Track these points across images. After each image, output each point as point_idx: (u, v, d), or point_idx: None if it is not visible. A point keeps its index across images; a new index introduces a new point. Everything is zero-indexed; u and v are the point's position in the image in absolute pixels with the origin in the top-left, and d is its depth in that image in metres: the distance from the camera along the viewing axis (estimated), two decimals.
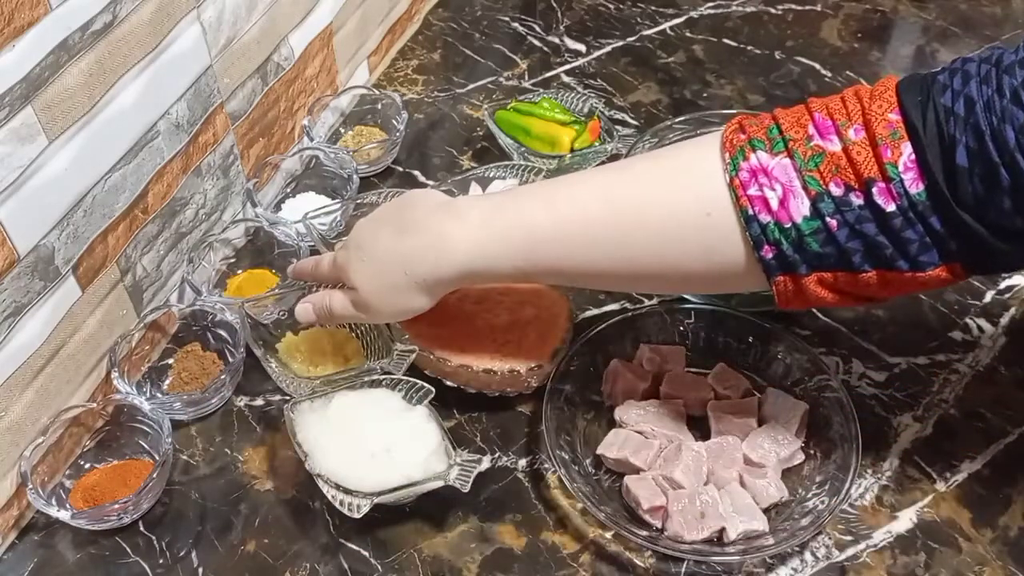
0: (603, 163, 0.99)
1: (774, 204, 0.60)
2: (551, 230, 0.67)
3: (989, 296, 0.89)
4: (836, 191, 0.59)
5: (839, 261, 0.60)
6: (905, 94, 0.58)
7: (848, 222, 0.59)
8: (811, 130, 0.60)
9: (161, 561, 0.72)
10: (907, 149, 0.57)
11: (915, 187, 0.57)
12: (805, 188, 0.60)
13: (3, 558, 0.73)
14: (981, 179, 0.55)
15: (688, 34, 1.22)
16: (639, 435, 0.76)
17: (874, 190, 0.58)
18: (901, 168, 0.57)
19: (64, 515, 0.71)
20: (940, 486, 0.76)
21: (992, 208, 0.56)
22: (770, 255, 0.61)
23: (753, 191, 0.61)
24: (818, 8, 1.25)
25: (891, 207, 0.58)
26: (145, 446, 0.78)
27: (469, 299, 0.82)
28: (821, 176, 0.59)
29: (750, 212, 0.61)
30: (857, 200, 0.59)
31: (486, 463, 0.78)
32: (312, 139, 1.01)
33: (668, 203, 0.64)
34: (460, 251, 0.69)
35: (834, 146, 0.59)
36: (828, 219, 0.59)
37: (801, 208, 0.60)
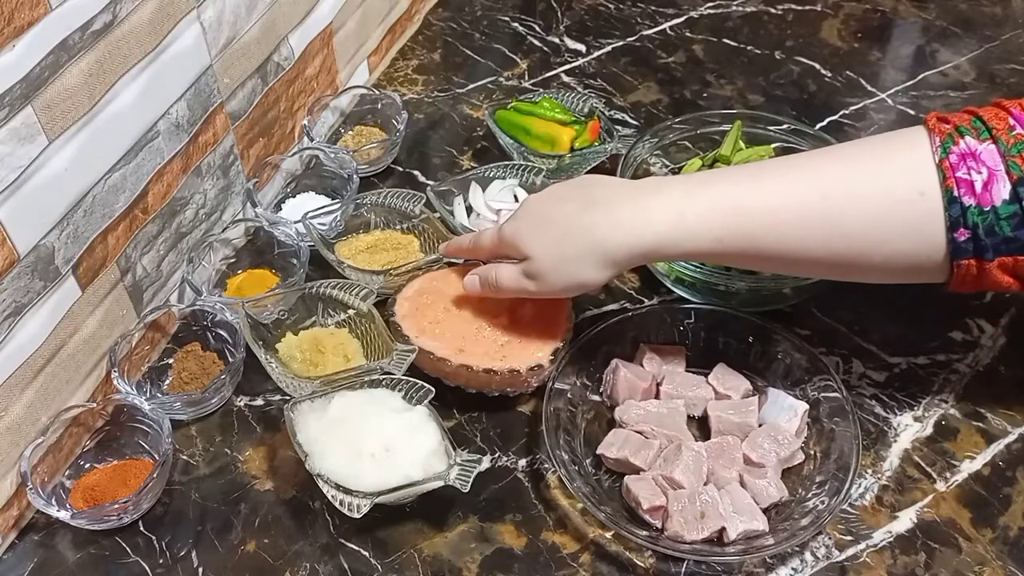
0: (602, 163, 0.99)
1: (978, 187, 0.63)
2: (758, 207, 0.68)
3: (989, 296, 0.89)
4: None
5: None
6: None
7: None
8: (1011, 121, 0.64)
9: (161, 561, 0.72)
10: None
11: None
12: (1008, 173, 0.63)
13: (3, 558, 0.73)
14: None
15: (688, 34, 1.22)
16: (639, 435, 0.76)
17: None
18: None
19: (64, 515, 0.71)
20: (940, 486, 0.76)
21: None
22: (963, 237, 0.64)
23: (961, 173, 0.64)
24: (818, 8, 1.25)
25: None
26: (145, 446, 0.78)
27: (469, 299, 0.82)
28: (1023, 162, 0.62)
29: (955, 194, 0.64)
30: None
31: (486, 463, 0.78)
32: (312, 139, 1.01)
33: (881, 182, 0.66)
34: (657, 222, 0.69)
35: None
36: None
37: (1002, 192, 0.63)
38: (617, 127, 1.04)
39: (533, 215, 0.74)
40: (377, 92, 1.08)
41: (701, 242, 0.69)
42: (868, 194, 0.66)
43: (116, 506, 0.72)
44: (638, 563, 0.71)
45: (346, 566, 0.72)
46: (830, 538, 0.72)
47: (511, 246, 0.75)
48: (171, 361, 0.85)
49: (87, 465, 0.77)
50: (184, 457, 0.79)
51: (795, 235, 0.68)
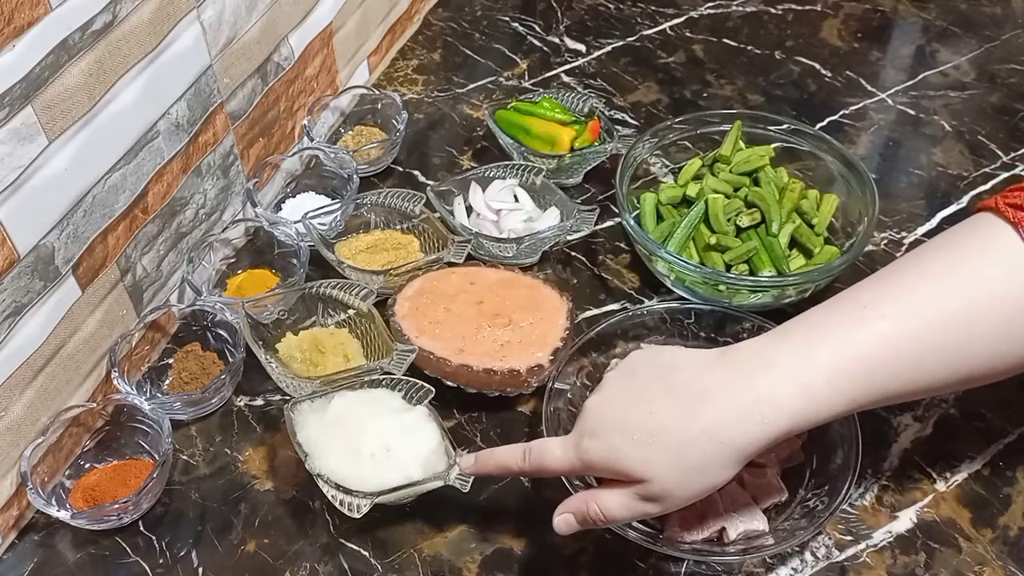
0: (602, 163, 0.99)
1: None
2: (882, 355, 0.61)
3: None
4: None
5: None
6: None
7: None
8: None
9: (161, 561, 0.72)
10: None
11: None
12: None
13: (3, 558, 0.73)
14: None
15: (688, 34, 1.22)
16: None
17: None
18: None
19: (64, 515, 0.71)
20: (940, 486, 0.76)
21: None
22: None
23: None
24: (818, 8, 1.25)
25: None
26: (145, 446, 0.78)
27: (469, 299, 0.82)
28: None
29: None
30: None
31: None
32: (312, 139, 1.01)
33: (987, 291, 0.62)
34: (785, 403, 0.61)
35: None
36: None
37: None
38: (617, 127, 1.04)
39: (624, 430, 0.63)
40: (377, 92, 1.08)
41: (836, 407, 0.62)
42: (982, 310, 0.62)
43: (116, 506, 0.72)
44: (638, 563, 0.71)
45: (346, 566, 0.72)
46: (830, 538, 0.72)
47: (607, 471, 0.64)
48: (171, 361, 0.85)
49: (87, 465, 0.77)
50: (184, 457, 0.79)
51: (923, 372, 0.62)
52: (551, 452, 0.66)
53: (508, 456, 0.68)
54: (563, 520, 0.66)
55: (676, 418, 0.62)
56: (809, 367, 0.61)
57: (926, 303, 0.62)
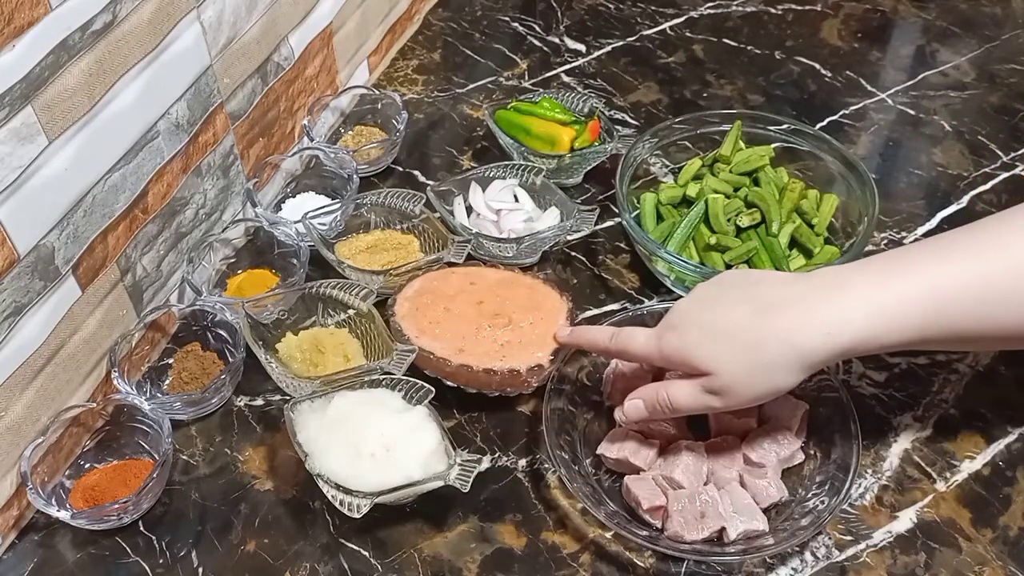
0: (602, 163, 0.99)
1: None
2: (956, 291, 0.64)
3: None
4: None
5: None
6: None
7: None
8: None
9: (161, 561, 0.72)
10: None
11: None
12: None
13: (3, 558, 0.73)
14: None
15: (688, 34, 1.22)
16: (639, 435, 0.76)
17: None
18: None
19: (64, 515, 0.71)
20: (940, 486, 0.76)
21: None
22: None
23: None
24: (818, 8, 1.25)
25: None
26: (145, 446, 0.78)
27: (469, 299, 0.82)
28: None
29: None
30: None
31: (486, 463, 0.78)
32: (312, 139, 1.01)
33: None
34: (855, 319, 0.64)
35: None
36: None
37: None
38: (617, 127, 1.04)
39: (702, 326, 0.68)
40: (377, 92, 1.08)
41: (903, 334, 0.65)
42: None
43: (116, 506, 0.72)
44: (638, 563, 0.71)
45: (346, 566, 0.72)
46: (830, 538, 0.72)
47: (681, 362, 0.69)
48: (171, 361, 0.85)
49: (87, 465, 0.77)
50: (184, 457, 0.79)
51: (998, 315, 0.64)
52: (636, 338, 0.71)
53: (599, 335, 0.75)
54: (633, 406, 0.72)
55: (749, 320, 0.66)
56: (882, 290, 0.65)
57: (1004, 250, 0.64)
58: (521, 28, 1.24)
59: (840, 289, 0.66)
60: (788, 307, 0.66)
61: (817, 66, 1.16)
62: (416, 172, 1.04)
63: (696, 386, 0.68)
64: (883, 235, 0.95)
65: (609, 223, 0.97)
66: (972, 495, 0.75)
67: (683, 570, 0.71)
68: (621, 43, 1.20)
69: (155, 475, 0.73)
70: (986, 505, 0.74)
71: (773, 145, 0.96)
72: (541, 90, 1.10)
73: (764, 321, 0.66)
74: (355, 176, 0.95)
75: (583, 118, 1.02)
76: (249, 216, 0.94)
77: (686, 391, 0.69)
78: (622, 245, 0.95)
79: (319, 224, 0.90)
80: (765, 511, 0.71)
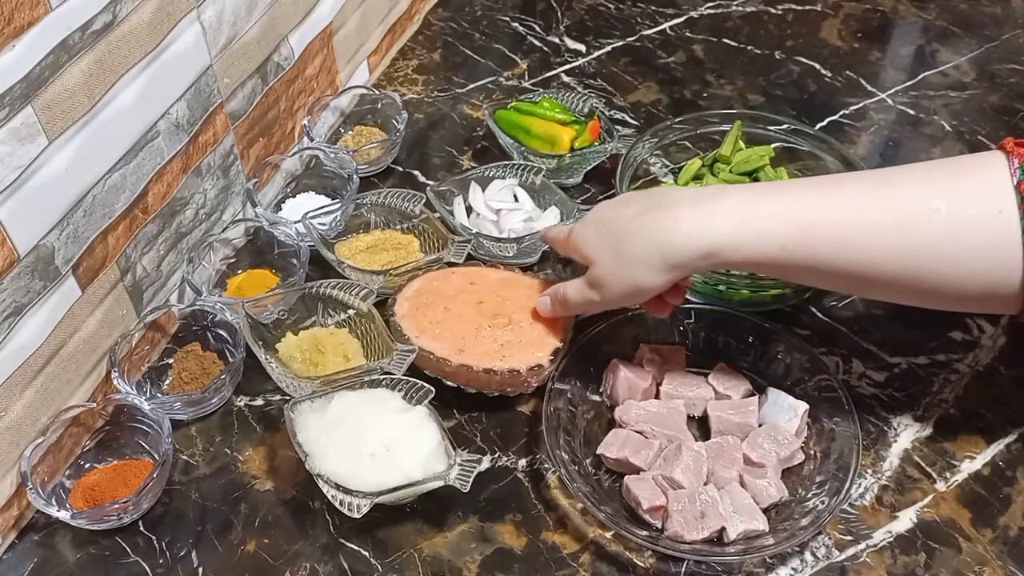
0: (602, 163, 0.99)
1: None
2: (826, 218, 0.67)
3: None
4: None
5: None
6: None
7: None
8: None
9: (161, 561, 0.72)
10: None
11: None
12: None
13: (3, 558, 0.73)
14: None
15: (688, 34, 1.22)
16: (639, 435, 0.76)
17: None
18: None
19: (64, 515, 0.71)
20: (940, 486, 0.76)
21: None
22: None
23: None
24: (818, 8, 1.25)
25: None
26: (145, 446, 0.78)
27: (469, 299, 0.82)
28: None
29: None
30: None
31: (486, 463, 0.78)
32: (312, 139, 1.01)
33: (958, 198, 0.65)
34: (719, 225, 0.68)
35: None
36: None
37: None
38: (617, 127, 1.04)
39: (598, 220, 0.74)
40: (377, 92, 1.08)
41: (764, 248, 0.67)
42: (944, 208, 0.64)
43: (116, 506, 0.72)
44: (638, 563, 0.71)
45: (346, 566, 0.72)
46: (830, 538, 0.72)
47: (576, 249, 0.76)
48: (171, 361, 0.85)
49: (87, 465, 0.77)
50: (184, 457, 0.79)
51: (865, 250, 0.66)
52: (560, 231, 0.80)
53: (557, 231, 0.81)
54: (542, 301, 0.80)
55: (630, 218, 0.71)
56: (752, 205, 0.68)
57: (890, 194, 0.66)
58: (521, 28, 1.24)
59: (713, 198, 0.69)
60: (663, 208, 0.70)
61: (817, 66, 1.16)
62: (416, 172, 1.04)
63: (582, 280, 0.75)
64: None
65: None
66: (972, 495, 0.75)
67: (683, 570, 0.71)
68: (621, 43, 1.20)
69: (155, 475, 0.73)
70: (986, 505, 0.74)
71: (773, 145, 0.96)
72: (541, 90, 1.10)
73: (639, 218, 0.71)
74: (355, 176, 0.95)
75: (583, 118, 1.02)
76: (249, 216, 0.94)
77: (575, 286, 0.76)
78: None
79: (319, 224, 0.90)
80: (765, 511, 0.71)
